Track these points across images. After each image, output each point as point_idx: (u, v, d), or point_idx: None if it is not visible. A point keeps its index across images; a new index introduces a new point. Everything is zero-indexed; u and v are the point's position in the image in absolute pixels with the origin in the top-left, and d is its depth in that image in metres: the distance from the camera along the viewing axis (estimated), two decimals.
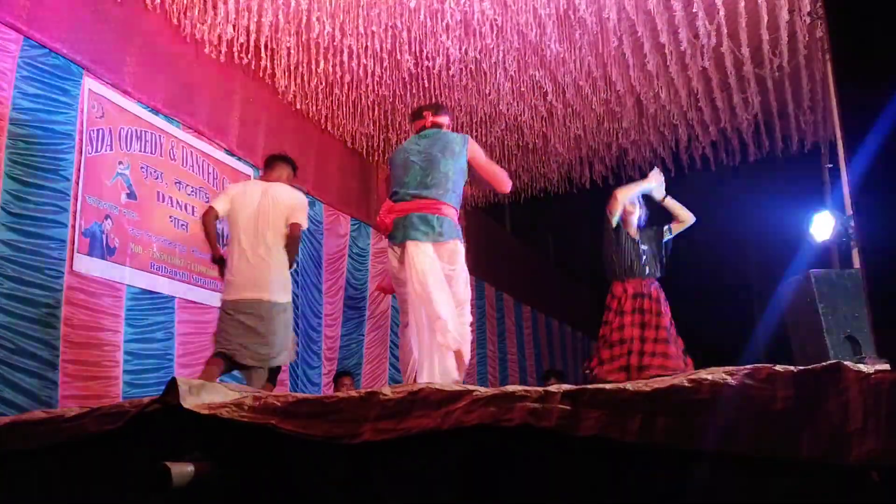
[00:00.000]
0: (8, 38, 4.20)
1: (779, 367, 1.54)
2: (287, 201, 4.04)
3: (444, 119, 3.82)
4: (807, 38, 5.89)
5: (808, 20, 5.60)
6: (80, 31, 4.61)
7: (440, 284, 3.32)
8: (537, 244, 12.50)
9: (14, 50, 4.23)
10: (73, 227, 4.42)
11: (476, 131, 7.33)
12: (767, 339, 9.14)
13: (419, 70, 6.12)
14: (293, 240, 4.00)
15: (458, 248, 3.50)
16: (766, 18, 5.67)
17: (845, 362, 1.52)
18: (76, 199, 4.46)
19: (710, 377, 1.54)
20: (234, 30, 5.29)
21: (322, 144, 6.99)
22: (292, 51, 5.72)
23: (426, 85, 6.35)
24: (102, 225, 4.63)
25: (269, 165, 4.30)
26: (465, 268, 3.55)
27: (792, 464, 1.44)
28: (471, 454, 1.68)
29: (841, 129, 1.87)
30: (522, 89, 6.59)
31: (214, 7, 5.13)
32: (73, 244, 4.40)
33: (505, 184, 3.91)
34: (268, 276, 3.91)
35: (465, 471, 1.69)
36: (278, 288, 3.95)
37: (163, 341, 5.01)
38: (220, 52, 5.40)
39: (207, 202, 5.56)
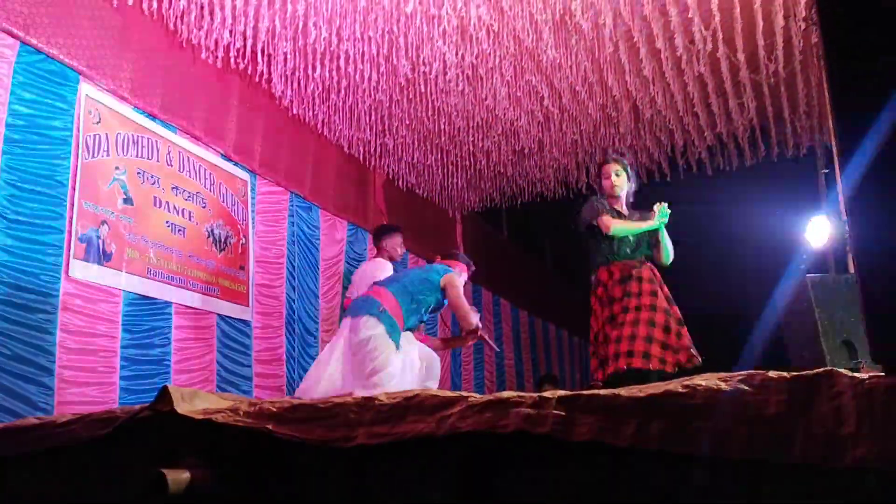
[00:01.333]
0: (4, 43, 4.20)
1: (772, 373, 1.54)
2: None
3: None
4: (802, 44, 5.91)
5: (803, 26, 5.63)
6: (76, 37, 4.61)
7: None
8: (534, 249, 12.51)
9: (10, 55, 4.23)
10: (70, 232, 4.41)
11: (473, 136, 7.35)
12: (764, 344, 9.14)
13: (416, 75, 6.14)
14: None
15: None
16: (761, 24, 5.69)
17: (838, 369, 1.53)
18: (72, 205, 4.46)
19: (704, 383, 1.55)
20: (230, 35, 5.29)
21: (319, 149, 6.99)
22: (289, 56, 5.72)
23: (423, 90, 6.36)
24: (99, 230, 4.62)
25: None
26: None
27: (786, 467, 1.44)
28: (466, 458, 1.69)
29: (835, 135, 1.88)
30: (519, 94, 6.61)
31: (211, 13, 5.14)
32: (70, 249, 4.39)
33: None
34: None
35: (460, 474, 1.70)
36: None
37: (160, 347, 5.00)
38: (217, 57, 5.41)
39: (204, 207, 5.58)
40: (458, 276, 4.42)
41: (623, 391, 1.59)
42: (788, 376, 1.54)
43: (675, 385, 1.57)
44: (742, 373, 1.59)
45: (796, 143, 7.80)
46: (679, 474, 1.49)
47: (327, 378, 3.99)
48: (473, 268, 4.79)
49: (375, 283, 4.49)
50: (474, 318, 4.39)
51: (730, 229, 9.06)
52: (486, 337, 4.64)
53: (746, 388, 1.53)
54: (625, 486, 1.54)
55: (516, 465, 1.65)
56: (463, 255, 4.88)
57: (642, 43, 5.89)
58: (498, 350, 5.02)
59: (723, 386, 1.53)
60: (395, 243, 5.85)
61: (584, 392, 1.61)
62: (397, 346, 4.06)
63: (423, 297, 4.25)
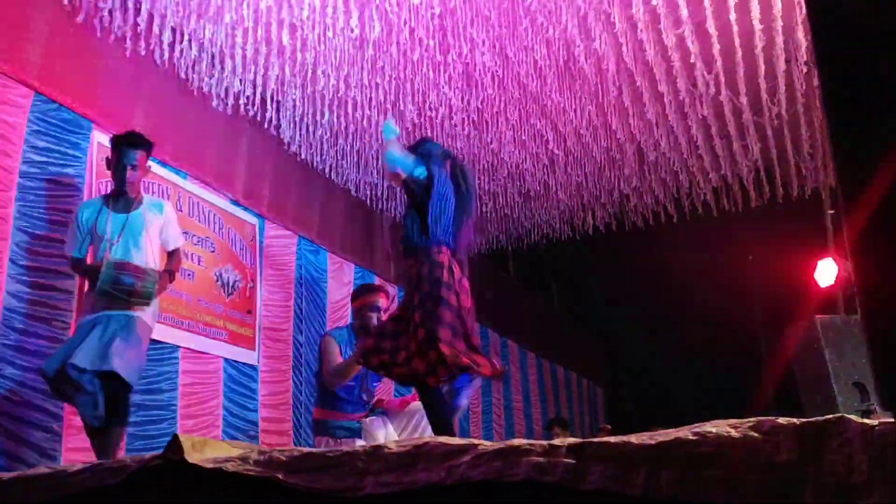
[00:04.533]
0: (19, 93, 4.28)
1: (782, 420, 1.54)
2: None
3: None
4: (804, 87, 5.98)
5: (804, 69, 5.70)
6: (89, 86, 4.70)
7: None
8: (541, 290, 12.51)
9: (25, 104, 4.31)
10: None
11: (478, 179, 7.41)
12: (774, 386, 9.08)
13: (422, 120, 6.23)
14: None
15: None
16: (763, 68, 5.77)
17: (848, 415, 1.53)
18: None
19: (714, 430, 1.55)
20: (240, 83, 5.40)
21: (327, 193, 7.06)
22: (297, 102, 5.82)
23: (429, 134, 6.44)
24: None
25: None
26: None
27: None
28: None
29: (837, 178, 1.89)
30: (524, 138, 6.69)
31: (222, 61, 5.24)
32: (81, 295, 4.42)
33: None
34: None
35: None
36: None
37: (167, 392, 5.00)
38: (227, 104, 5.50)
39: (213, 252, 5.62)
40: (325, 342, 4.26)
41: (633, 438, 1.59)
42: (798, 423, 1.54)
43: (686, 432, 1.57)
44: (752, 419, 1.59)
45: (801, 185, 7.83)
46: None
47: None
48: (386, 289, 4.49)
49: None
50: (330, 380, 4.08)
51: (737, 270, 9.05)
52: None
53: (756, 434, 1.53)
54: None
55: None
56: (364, 286, 4.73)
57: (645, 87, 5.98)
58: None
59: (733, 433, 1.53)
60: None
61: (594, 440, 1.61)
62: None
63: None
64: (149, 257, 3.84)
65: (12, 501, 2.06)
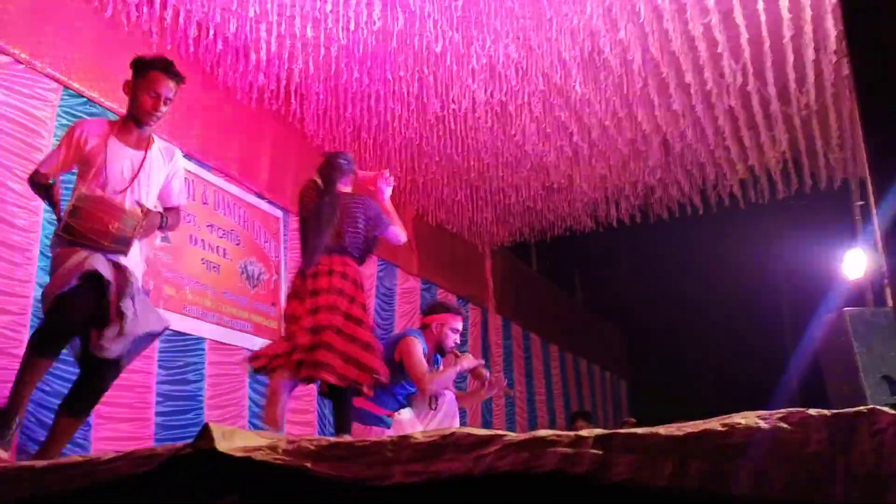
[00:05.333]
0: (48, 87, 4.35)
1: (812, 411, 1.53)
2: None
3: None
4: (833, 77, 5.90)
5: (833, 59, 5.62)
6: (116, 81, 4.73)
7: None
8: (564, 283, 12.47)
9: (54, 100, 4.38)
10: None
11: (502, 172, 7.40)
12: (801, 379, 8.99)
13: (445, 113, 6.22)
14: None
15: None
16: (791, 58, 5.69)
17: (880, 406, 1.51)
18: None
19: (742, 421, 1.53)
20: (265, 77, 5.43)
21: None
22: (321, 96, 5.85)
23: (452, 127, 6.44)
24: None
25: None
26: None
27: None
28: (500, 497, 1.68)
29: (869, 170, 1.87)
30: (548, 130, 6.66)
31: (246, 56, 5.28)
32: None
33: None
34: None
35: None
36: None
37: (194, 382, 5.06)
38: (252, 98, 5.54)
39: (238, 244, 5.67)
40: (413, 342, 3.95)
41: (661, 430, 1.58)
42: (829, 414, 1.52)
43: (714, 423, 1.55)
44: (781, 411, 1.57)
45: (830, 176, 7.73)
46: None
47: None
48: (463, 313, 4.38)
49: None
50: (431, 387, 3.92)
51: (765, 263, 8.96)
52: (501, 385, 4.41)
53: (786, 426, 1.51)
54: None
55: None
56: (445, 304, 4.51)
57: (671, 77, 5.92)
58: (513, 394, 4.69)
59: (762, 424, 1.52)
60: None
61: (621, 431, 1.60)
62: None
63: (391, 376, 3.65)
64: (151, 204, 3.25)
65: (49, 491, 2.10)
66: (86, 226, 3.02)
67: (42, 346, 3.02)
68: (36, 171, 3.24)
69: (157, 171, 3.28)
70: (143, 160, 3.20)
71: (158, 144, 3.34)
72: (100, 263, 3.01)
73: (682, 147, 7.12)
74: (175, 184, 3.39)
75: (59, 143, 3.26)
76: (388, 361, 3.74)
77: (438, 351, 4.13)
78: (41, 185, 3.20)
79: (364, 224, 3.62)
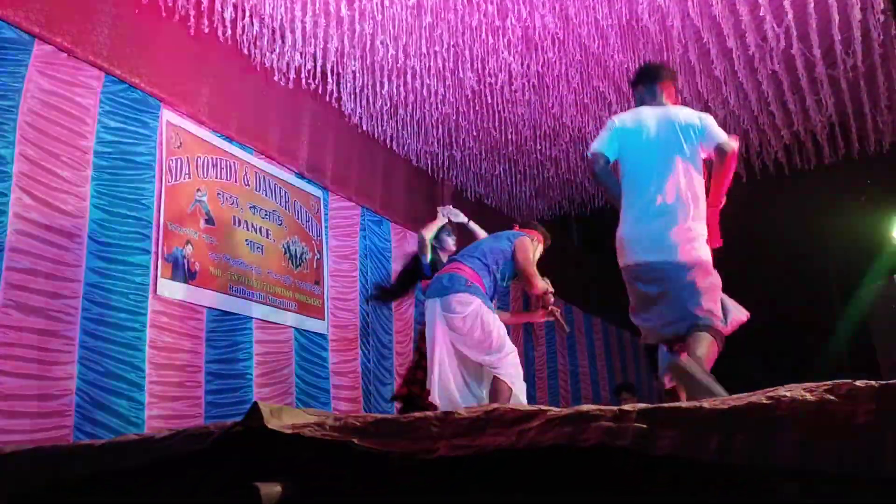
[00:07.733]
0: (91, 75, 4.43)
1: (859, 383, 1.50)
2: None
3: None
4: (881, 37, 5.71)
5: (881, 18, 5.44)
6: (156, 66, 4.82)
7: None
8: (605, 255, 12.35)
9: (96, 86, 4.46)
10: (156, 253, 4.61)
11: (540, 145, 7.34)
12: (849, 345, 8.82)
13: (482, 87, 6.18)
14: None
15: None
16: (837, 18, 5.52)
17: None
18: (158, 227, 4.66)
19: (788, 394, 1.52)
20: (301, 57, 5.45)
21: (388, 164, 7.11)
22: (357, 74, 5.85)
23: (489, 101, 6.40)
24: (184, 250, 4.82)
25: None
26: None
27: (878, 482, 1.40)
28: (546, 469, 1.70)
29: None
30: (586, 101, 6.58)
31: (283, 36, 5.30)
32: (157, 269, 4.59)
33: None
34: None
35: (540, 485, 1.71)
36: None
37: (242, 361, 5.16)
38: (289, 78, 5.57)
39: (280, 224, 5.74)
40: (530, 242, 4.28)
41: (706, 403, 1.57)
42: (877, 385, 1.50)
43: (759, 396, 1.54)
44: (828, 382, 1.55)
45: (878, 139, 7.50)
46: (766, 489, 1.46)
47: (445, 375, 3.88)
48: (549, 241, 4.61)
49: (451, 259, 4.31)
50: (541, 284, 4.19)
51: (811, 229, 8.75)
52: (557, 314, 4.45)
53: (833, 398, 1.49)
54: (711, 502, 1.52)
55: (596, 479, 1.65)
56: (541, 227, 4.69)
57: (712, 43, 5.79)
58: (568, 330, 4.75)
59: (808, 396, 1.50)
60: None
61: (665, 405, 1.60)
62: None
63: (498, 266, 4.10)
64: None
65: (106, 468, 2.18)
66: None
67: None
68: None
69: None
70: None
71: None
72: None
73: (725, 114, 6.97)
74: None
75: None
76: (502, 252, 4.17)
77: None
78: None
79: None
